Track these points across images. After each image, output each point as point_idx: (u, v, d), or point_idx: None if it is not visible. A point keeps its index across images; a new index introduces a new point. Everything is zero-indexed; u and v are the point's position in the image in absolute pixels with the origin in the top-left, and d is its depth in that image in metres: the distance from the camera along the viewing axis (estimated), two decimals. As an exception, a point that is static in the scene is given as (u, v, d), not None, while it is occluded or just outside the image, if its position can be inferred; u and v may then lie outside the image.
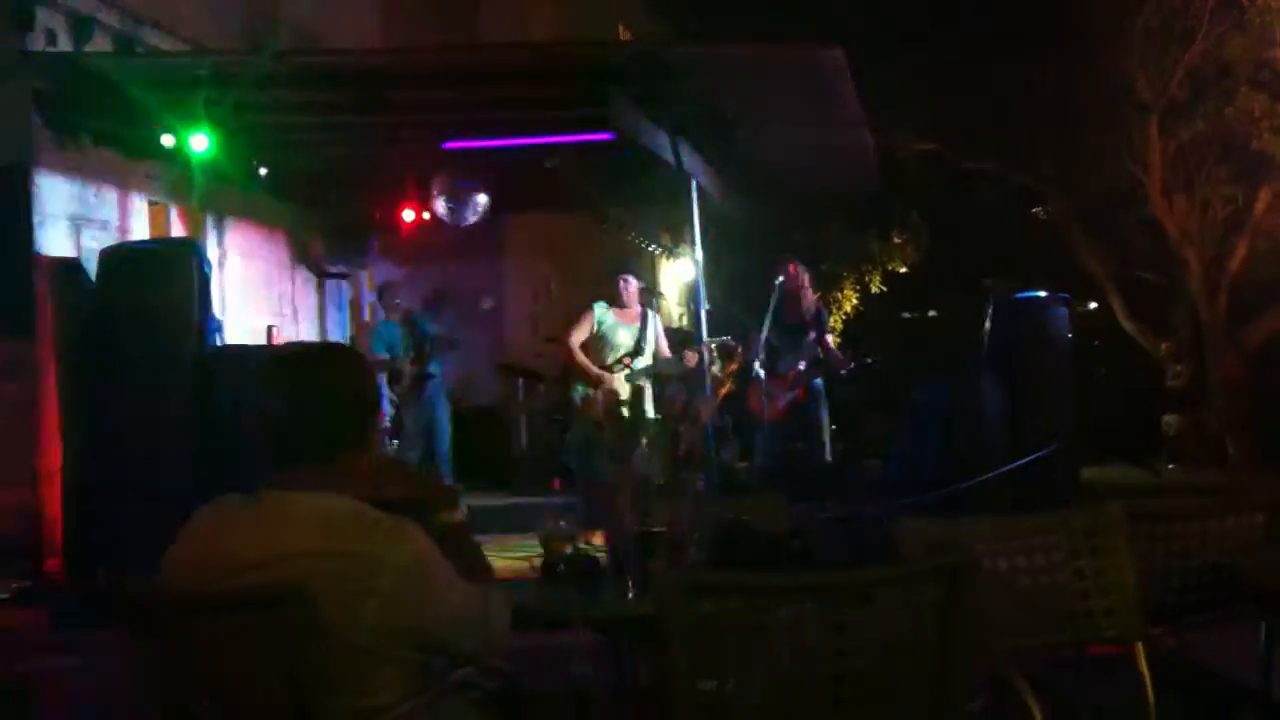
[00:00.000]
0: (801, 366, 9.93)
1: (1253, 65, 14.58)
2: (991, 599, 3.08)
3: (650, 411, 9.16)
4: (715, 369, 9.83)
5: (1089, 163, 16.37)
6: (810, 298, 10.22)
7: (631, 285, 9.14)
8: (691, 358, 9.40)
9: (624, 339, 9.01)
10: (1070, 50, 15.56)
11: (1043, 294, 10.30)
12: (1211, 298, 16.16)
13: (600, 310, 9.07)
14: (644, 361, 9.03)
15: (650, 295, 10.39)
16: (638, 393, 9.01)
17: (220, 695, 2.43)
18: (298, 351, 2.64)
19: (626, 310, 9.10)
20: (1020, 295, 10.55)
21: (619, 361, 8.94)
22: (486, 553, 2.75)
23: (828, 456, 10.15)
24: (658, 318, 9.54)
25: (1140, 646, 3.07)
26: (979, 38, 16.10)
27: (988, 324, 9.94)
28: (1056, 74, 15.72)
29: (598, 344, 8.96)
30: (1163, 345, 16.50)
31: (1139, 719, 3.00)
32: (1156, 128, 15.62)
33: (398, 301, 10.40)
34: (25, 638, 7.04)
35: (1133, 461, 14.05)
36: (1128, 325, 17.45)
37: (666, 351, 9.27)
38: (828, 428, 10.24)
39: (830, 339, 10.36)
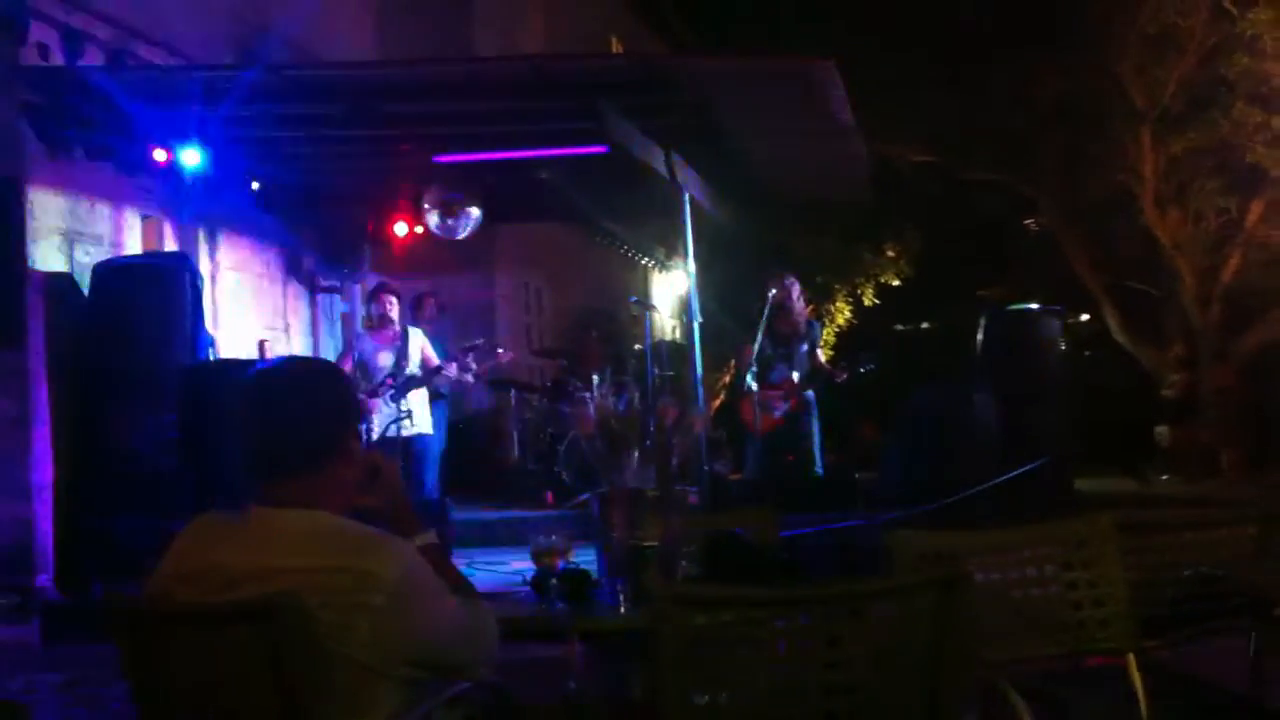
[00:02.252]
0: (795, 377, 9.95)
1: (1248, 78, 14.62)
2: (985, 610, 3.08)
3: (428, 425, 9.39)
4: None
5: (1082, 173, 16.41)
6: (801, 310, 10.24)
7: (393, 304, 9.34)
8: (669, 411, 9.54)
9: (384, 362, 9.18)
10: (1064, 61, 15.61)
11: (1035, 306, 10.33)
12: (1204, 308, 16.19)
13: (359, 342, 9.46)
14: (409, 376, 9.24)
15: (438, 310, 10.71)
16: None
17: (212, 710, 2.43)
18: (276, 366, 2.66)
19: (383, 332, 9.24)
20: (1013, 307, 10.58)
21: (383, 384, 9.11)
22: (478, 567, 2.76)
23: (819, 468, 10.16)
24: (419, 332, 9.63)
25: (1133, 657, 3.08)
26: (973, 48, 16.15)
27: (980, 336, 9.96)
28: (1050, 85, 15.76)
29: (360, 372, 9.17)
30: (1172, 352, 16.49)
31: (1132, 730, 3.00)
32: (1150, 138, 15.66)
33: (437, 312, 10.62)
34: (16, 653, 7.01)
35: (1126, 472, 14.07)
36: (1121, 336, 17.48)
37: (434, 361, 9.46)
38: (819, 439, 10.25)
39: (820, 353, 10.39)
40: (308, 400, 2.49)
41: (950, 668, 2.41)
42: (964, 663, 2.45)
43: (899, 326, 23.27)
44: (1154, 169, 15.73)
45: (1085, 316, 19.53)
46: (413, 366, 9.31)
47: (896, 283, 20.92)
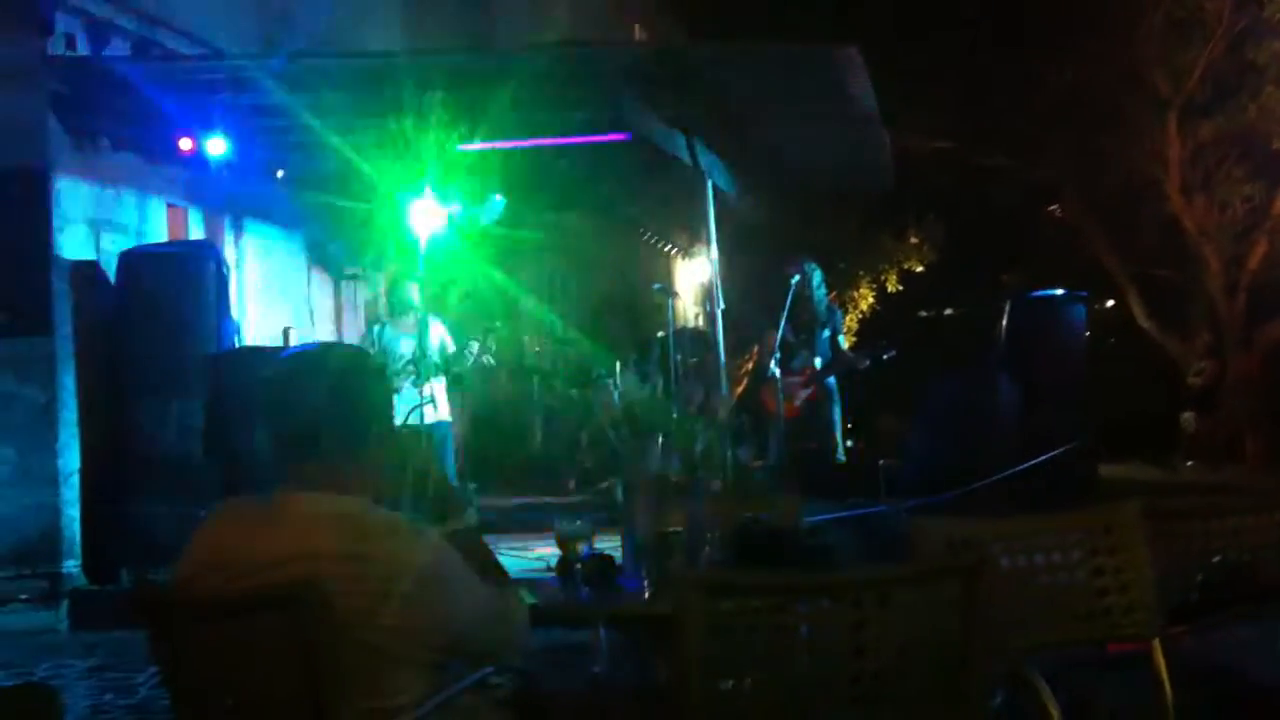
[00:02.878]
0: (817, 363, 9.94)
1: (1279, 63, 14.52)
2: (1010, 597, 3.08)
3: (447, 413, 9.36)
4: None
5: (1106, 160, 16.32)
6: (822, 297, 10.23)
7: (415, 292, 9.47)
8: (693, 398, 9.62)
9: (404, 350, 9.21)
10: (1087, 46, 15.52)
11: (1060, 292, 10.28)
12: (1230, 296, 16.09)
13: (378, 327, 9.53)
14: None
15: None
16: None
17: (238, 695, 2.44)
18: (313, 350, 2.67)
19: (404, 320, 9.28)
20: (1037, 293, 10.53)
21: (402, 371, 9.12)
22: (502, 554, 2.76)
23: (841, 455, 10.15)
24: (440, 320, 9.66)
25: (1158, 644, 3.07)
26: (994, 34, 16.08)
27: (1004, 322, 9.93)
28: (1073, 70, 15.67)
29: (379, 358, 9.16)
30: (1197, 339, 16.39)
31: (1157, 717, 3.00)
32: (1175, 125, 15.56)
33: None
34: (45, 638, 7.08)
35: (1150, 459, 14.01)
36: (1146, 323, 17.39)
37: (451, 347, 9.50)
38: (840, 426, 10.24)
39: (843, 339, 10.38)
40: (343, 385, 2.50)
41: (975, 654, 2.41)
42: (988, 649, 2.45)
43: (922, 313, 23.23)
44: (1179, 156, 15.64)
45: (1110, 303, 19.46)
46: (433, 354, 9.34)
47: (920, 269, 20.86)
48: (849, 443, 10.80)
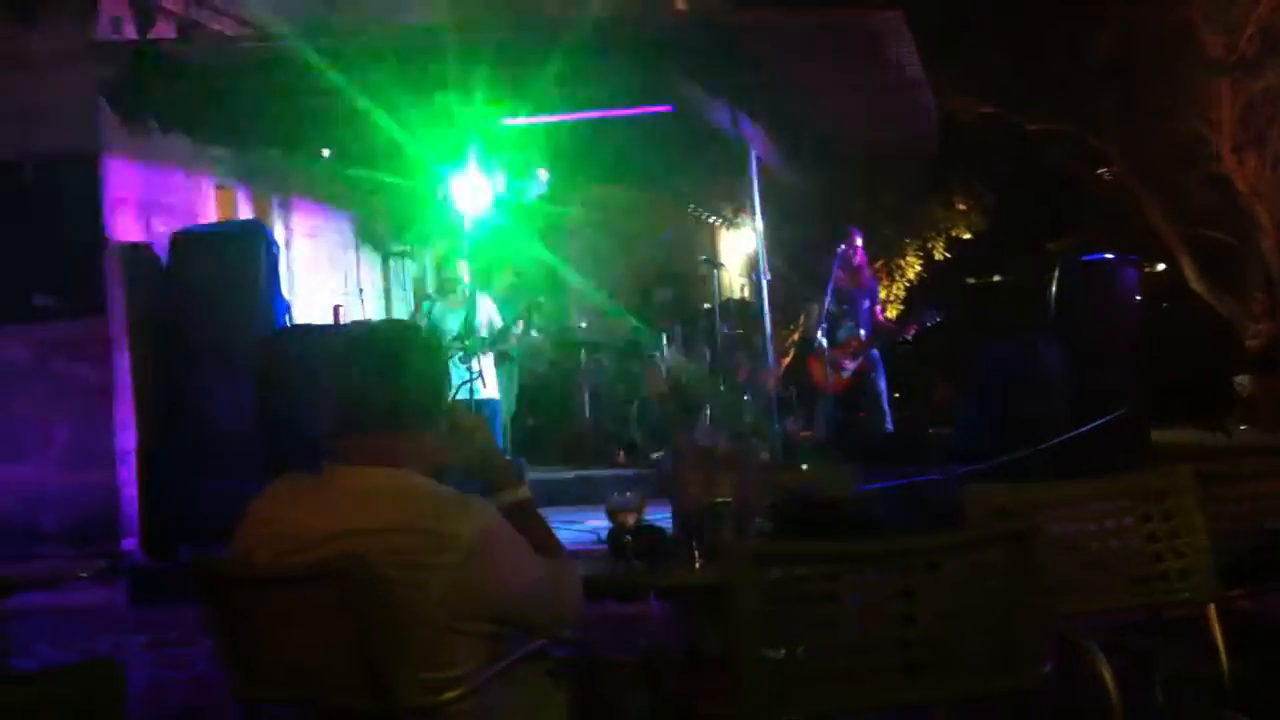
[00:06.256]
0: (863, 334, 9.91)
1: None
2: (1063, 563, 3.07)
3: (495, 390, 9.45)
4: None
5: (1155, 121, 16.11)
6: (864, 265, 10.21)
7: (464, 268, 9.55)
8: (741, 369, 9.62)
9: (452, 325, 9.21)
10: (1136, 5, 15.29)
11: (1110, 256, 10.17)
12: (1284, 256, 15.88)
13: (427, 304, 9.65)
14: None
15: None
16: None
17: (295, 667, 2.48)
18: (378, 325, 2.70)
19: (453, 296, 9.44)
20: (1088, 258, 10.42)
21: (450, 347, 9.14)
22: (553, 526, 2.78)
23: (889, 424, 10.12)
24: (488, 296, 9.67)
25: (1213, 608, 3.05)
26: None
27: (1054, 288, 9.84)
28: (1120, 31, 15.46)
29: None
30: (1252, 301, 16.16)
31: (1212, 681, 2.98)
32: (1226, 83, 15.32)
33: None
34: (105, 615, 7.19)
35: (1204, 423, 13.85)
36: (1198, 286, 17.19)
37: (499, 323, 9.57)
38: (888, 395, 10.21)
39: (879, 309, 10.35)
40: (397, 360, 2.51)
41: (1025, 620, 2.40)
42: (1039, 615, 2.44)
43: (970, 280, 23.04)
44: (1230, 114, 15.41)
45: (1161, 267, 19.24)
46: (482, 331, 9.39)
47: (967, 236, 20.67)
48: (898, 412, 10.75)
